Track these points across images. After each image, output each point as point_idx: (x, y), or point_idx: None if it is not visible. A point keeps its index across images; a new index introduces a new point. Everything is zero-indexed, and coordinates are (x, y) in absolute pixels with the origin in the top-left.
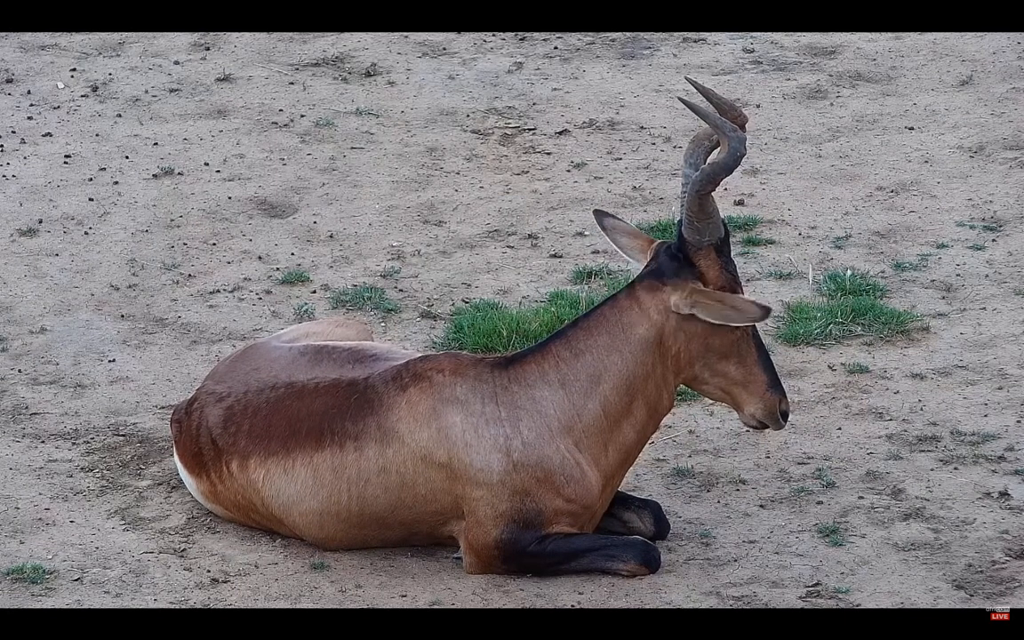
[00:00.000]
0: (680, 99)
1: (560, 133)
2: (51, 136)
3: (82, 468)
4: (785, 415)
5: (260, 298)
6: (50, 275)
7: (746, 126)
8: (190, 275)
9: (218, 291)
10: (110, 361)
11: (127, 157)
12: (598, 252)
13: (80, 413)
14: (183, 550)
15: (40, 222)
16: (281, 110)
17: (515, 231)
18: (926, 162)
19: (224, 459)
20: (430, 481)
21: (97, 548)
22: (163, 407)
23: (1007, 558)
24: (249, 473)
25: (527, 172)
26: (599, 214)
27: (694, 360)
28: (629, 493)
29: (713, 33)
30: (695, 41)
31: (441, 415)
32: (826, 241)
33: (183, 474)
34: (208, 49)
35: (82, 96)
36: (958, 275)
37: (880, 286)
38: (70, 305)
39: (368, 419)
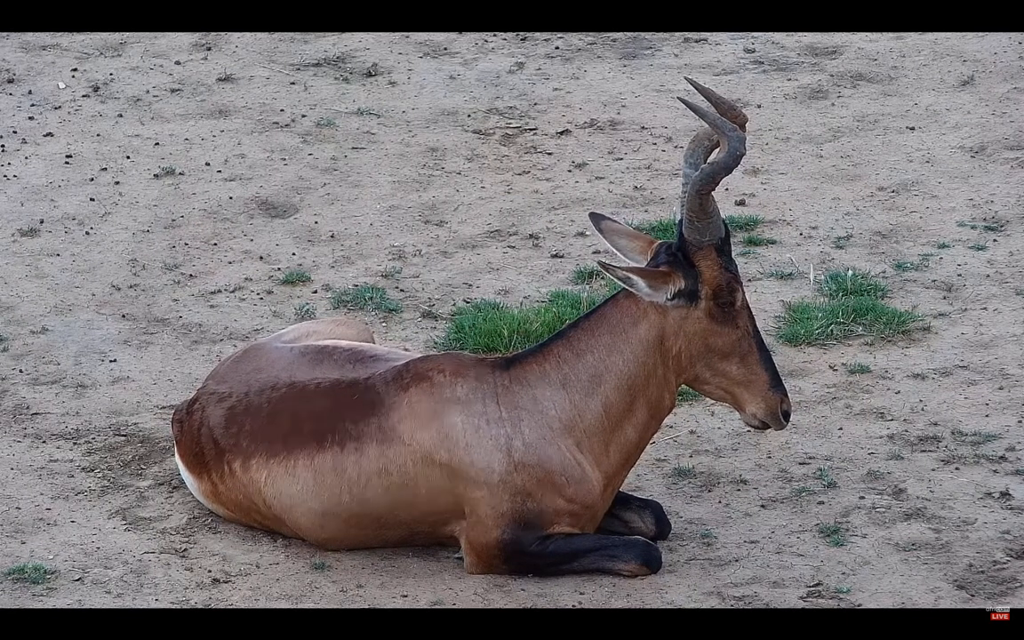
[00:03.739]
0: (680, 99)
1: (561, 133)
2: (52, 136)
3: (83, 468)
4: (787, 415)
5: (261, 298)
6: (51, 275)
7: (746, 126)
8: (191, 275)
9: (219, 291)
10: (111, 361)
11: (128, 157)
12: (599, 252)
13: (81, 413)
14: (184, 550)
15: (41, 222)
16: (282, 110)
17: (516, 231)
18: (927, 162)
19: (226, 459)
20: (431, 481)
21: (98, 548)
22: (164, 407)
23: (1008, 558)
24: (251, 473)
25: (528, 172)
26: (595, 217)
27: (695, 360)
28: (630, 493)
29: (714, 33)
30: (696, 41)
31: (442, 415)
32: (827, 241)
33: (184, 474)
34: (209, 49)
35: (83, 96)
36: (959, 275)
37: (881, 286)
38: (71, 305)
39: (369, 419)
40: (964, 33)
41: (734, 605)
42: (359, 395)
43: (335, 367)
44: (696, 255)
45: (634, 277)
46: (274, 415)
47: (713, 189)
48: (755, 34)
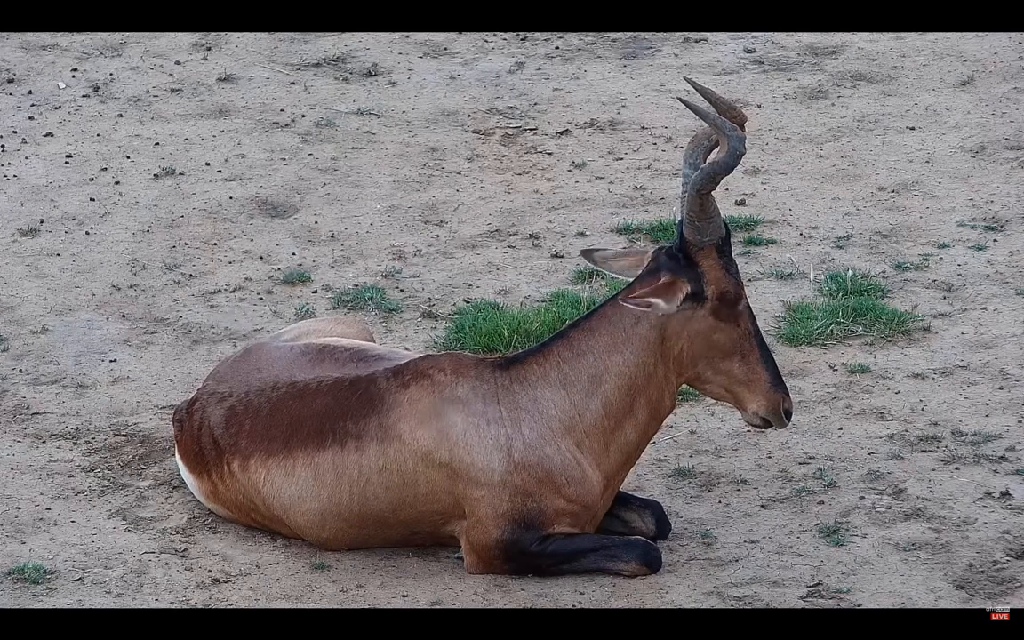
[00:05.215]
0: (679, 99)
1: (561, 133)
2: (52, 136)
3: (83, 468)
4: (788, 413)
5: (261, 298)
6: (51, 275)
7: (746, 126)
8: (191, 275)
9: (219, 291)
10: (111, 361)
11: (128, 157)
12: (593, 249)
13: (81, 413)
14: (184, 550)
15: (41, 222)
16: (282, 110)
17: (516, 231)
18: (927, 162)
19: (225, 459)
20: (431, 481)
21: (98, 548)
22: (164, 407)
23: (1008, 558)
24: (250, 473)
25: (528, 172)
26: (587, 253)
27: (696, 359)
28: (630, 493)
29: (714, 33)
30: (696, 41)
31: (442, 415)
32: (827, 241)
33: (184, 474)
34: (209, 49)
35: (83, 96)
36: (959, 275)
37: (881, 286)
38: (71, 305)
39: (369, 419)
40: (964, 33)
41: (734, 605)
42: (359, 394)
43: (335, 366)
44: (697, 255)
45: (654, 301)
46: (274, 415)
47: (713, 189)
48: (755, 34)
